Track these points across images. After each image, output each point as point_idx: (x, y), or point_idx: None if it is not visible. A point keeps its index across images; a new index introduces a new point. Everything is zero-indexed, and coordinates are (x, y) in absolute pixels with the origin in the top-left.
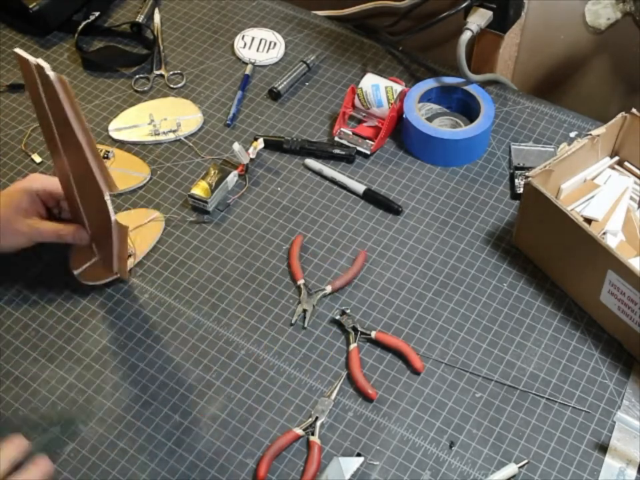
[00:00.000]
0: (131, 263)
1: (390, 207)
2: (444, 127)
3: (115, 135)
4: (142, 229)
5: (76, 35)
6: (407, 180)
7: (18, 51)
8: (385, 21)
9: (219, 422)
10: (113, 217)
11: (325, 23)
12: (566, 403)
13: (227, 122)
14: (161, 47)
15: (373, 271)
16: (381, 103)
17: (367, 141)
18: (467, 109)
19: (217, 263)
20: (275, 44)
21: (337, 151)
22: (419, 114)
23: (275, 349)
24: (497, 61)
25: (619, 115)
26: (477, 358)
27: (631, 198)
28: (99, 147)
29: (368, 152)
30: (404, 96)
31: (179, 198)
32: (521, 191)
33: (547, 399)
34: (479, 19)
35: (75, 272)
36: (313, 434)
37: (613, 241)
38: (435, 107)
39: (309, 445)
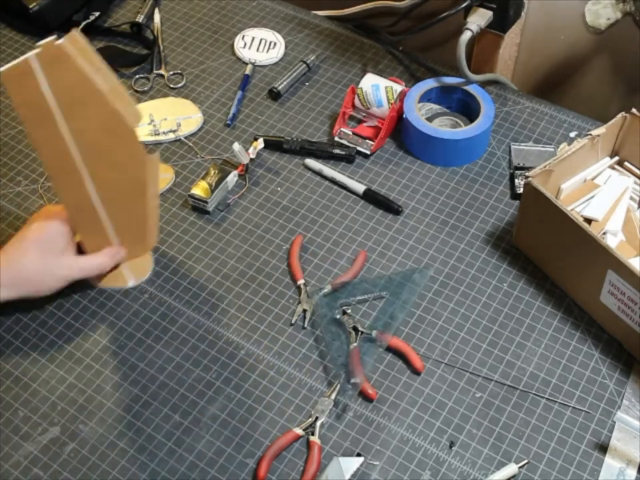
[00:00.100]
0: None
1: (390, 207)
2: (444, 127)
3: None
4: None
5: None
6: (406, 180)
7: (2, 70)
8: (385, 21)
9: (219, 422)
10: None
11: (325, 22)
12: (566, 403)
13: (227, 122)
14: (161, 47)
15: (373, 271)
16: (380, 103)
17: (367, 140)
18: (467, 109)
19: (217, 263)
20: (274, 44)
21: (337, 151)
22: (418, 114)
23: (275, 349)
24: (497, 61)
25: (619, 115)
26: (477, 358)
27: (631, 198)
28: None
29: (368, 152)
30: (404, 96)
31: (178, 198)
32: (521, 191)
33: (547, 399)
34: (479, 18)
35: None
36: (313, 434)
37: (613, 241)
38: (435, 107)
39: (309, 445)
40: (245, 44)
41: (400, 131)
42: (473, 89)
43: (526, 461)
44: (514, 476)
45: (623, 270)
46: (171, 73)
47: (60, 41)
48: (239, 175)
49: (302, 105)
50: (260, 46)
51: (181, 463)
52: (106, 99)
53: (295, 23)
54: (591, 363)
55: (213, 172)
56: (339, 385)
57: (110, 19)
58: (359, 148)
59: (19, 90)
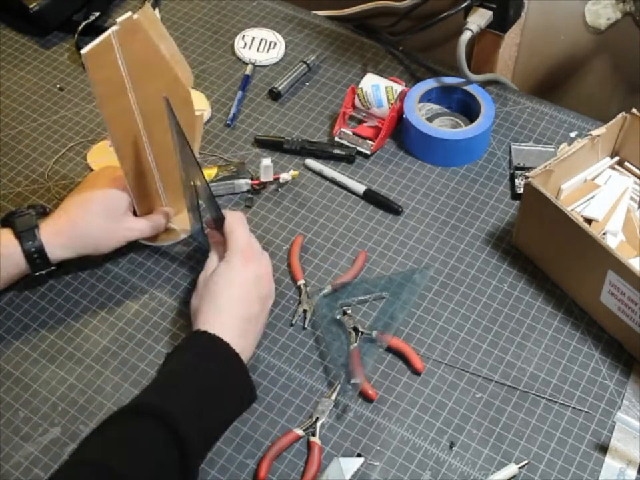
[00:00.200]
0: None
1: (390, 207)
2: (444, 127)
3: None
4: None
5: (76, 35)
6: (407, 180)
7: (84, 51)
8: (385, 21)
9: None
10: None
11: (325, 22)
12: (566, 404)
13: (227, 122)
14: None
15: (373, 271)
16: (381, 103)
17: (367, 141)
18: (467, 109)
19: None
20: (275, 44)
21: (337, 151)
22: (419, 114)
23: (275, 349)
24: (497, 61)
25: (619, 115)
26: (477, 358)
27: (631, 198)
28: None
29: (368, 152)
30: (404, 96)
31: None
32: (521, 191)
33: (547, 399)
34: (479, 19)
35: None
36: (313, 434)
37: (613, 241)
38: (435, 107)
39: (309, 445)
40: (245, 44)
41: (400, 131)
42: (473, 89)
43: (526, 462)
44: (514, 476)
45: (623, 270)
46: None
47: (136, 16)
48: (251, 188)
49: (302, 105)
50: (260, 46)
51: None
52: (169, 64)
53: (295, 23)
54: (591, 363)
55: (231, 167)
56: (339, 386)
57: (110, 19)
58: (359, 148)
59: (98, 68)
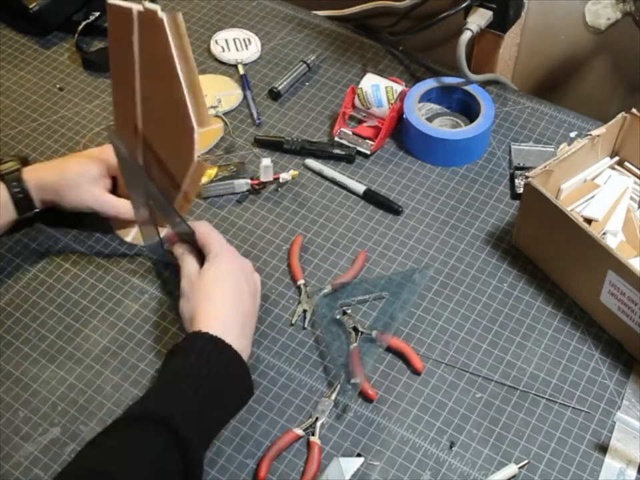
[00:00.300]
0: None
1: (390, 207)
2: (444, 127)
3: None
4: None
5: (76, 35)
6: (407, 180)
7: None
8: (385, 21)
9: None
10: (196, 158)
11: (325, 22)
12: (566, 403)
13: (257, 121)
14: None
15: (373, 271)
16: (381, 103)
17: (367, 141)
18: (467, 109)
19: None
20: (249, 40)
21: (337, 151)
22: (419, 114)
23: (275, 349)
24: (497, 61)
25: (619, 115)
26: (477, 358)
27: (631, 198)
28: None
29: (368, 152)
30: (404, 96)
31: None
32: (521, 191)
33: (547, 399)
34: (478, 19)
35: (127, 238)
36: (313, 434)
37: (613, 241)
38: (435, 107)
39: (309, 445)
40: (223, 48)
41: (400, 131)
42: (472, 89)
43: (526, 461)
44: (514, 476)
45: (623, 270)
46: None
47: (161, 13)
48: (251, 187)
49: (302, 105)
50: (237, 45)
51: None
52: (178, 83)
53: (295, 23)
54: (591, 363)
55: (231, 166)
56: (339, 386)
57: None
58: (359, 148)
59: (116, 25)
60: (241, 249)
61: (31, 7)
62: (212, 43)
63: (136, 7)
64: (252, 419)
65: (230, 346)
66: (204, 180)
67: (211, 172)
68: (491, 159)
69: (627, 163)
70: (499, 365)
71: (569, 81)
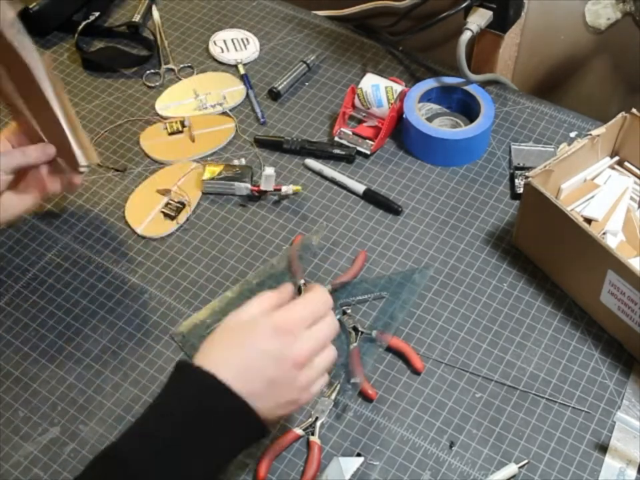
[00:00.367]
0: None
1: (390, 207)
2: (444, 127)
3: (164, 112)
4: (213, 132)
5: (76, 35)
6: (407, 180)
7: None
8: (385, 21)
9: None
10: (59, 113)
11: (325, 22)
12: (566, 403)
13: (261, 120)
14: (166, 43)
15: (373, 271)
16: (381, 103)
17: (367, 140)
18: (467, 109)
19: (217, 262)
20: (248, 39)
21: (336, 151)
22: (419, 114)
23: None
24: (497, 61)
25: (619, 115)
26: (477, 358)
27: (631, 198)
28: (170, 123)
29: (368, 152)
30: (404, 96)
31: None
32: (521, 191)
33: (547, 399)
34: (479, 19)
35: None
36: (313, 434)
37: (613, 241)
38: (435, 107)
39: (309, 445)
40: (222, 49)
41: (400, 131)
42: (472, 89)
43: (526, 461)
44: (514, 476)
45: (623, 270)
46: (181, 66)
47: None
48: (251, 193)
49: (302, 105)
50: (236, 45)
51: None
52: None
53: (295, 23)
54: (591, 363)
55: (234, 167)
56: (339, 385)
57: (110, 19)
58: (359, 148)
59: None
60: (241, 249)
61: (31, 7)
62: (210, 43)
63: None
64: None
65: (220, 383)
66: (206, 176)
67: (216, 169)
68: (491, 159)
69: (626, 163)
70: (499, 365)
71: (569, 81)
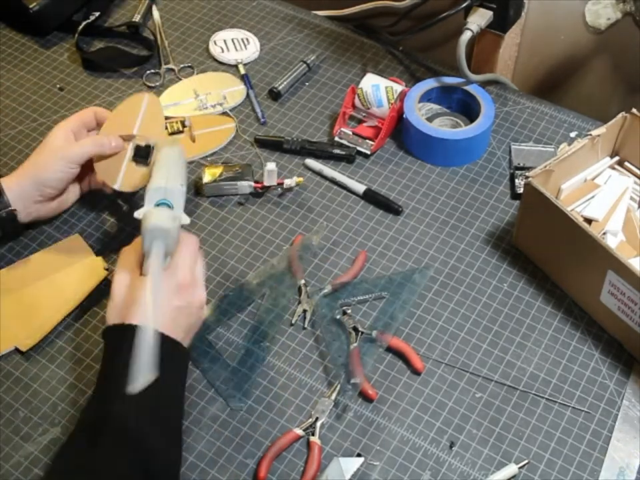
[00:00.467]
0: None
1: (390, 207)
2: (444, 127)
3: (164, 113)
4: (213, 132)
5: (76, 35)
6: (407, 180)
7: None
8: (385, 21)
9: (219, 422)
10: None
11: (325, 22)
12: (566, 403)
13: (262, 120)
14: (166, 42)
15: (373, 271)
16: (381, 102)
17: (367, 141)
18: (467, 109)
19: (217, 263)
20: (248, 39)
21: (337, 151)
22: (419, 114)
23: (275, 349)
24: (497, 61)
25: (619, 115)
26: (477, 358)
27: (631, 198)
28: (171, 123)
29: (368, 152)
30: (404, 96)
31: None
32: (521, 191)
33: (547, 399)
34: (479, 19)
35: (116, 185)
36: (313, 434)
37: (613, 241)
38: (435, 107)
39: (309, 445)
40: (222, 49)
41: (400, 131)
42: (473, 89)
43: (526, 461)
44: (514, 476)
45: (623, 270)
46: (181, 66)
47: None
48: (254, 190)
49: (302, 105)
50: (236, 45)
51: (181, 463)
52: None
53: (295, 23)
54: (591, 363)
55: (235, 168)
56: (339, 385)
57: (110, 19)
58: (359, 148)
59: None
60: (241, 249)
61: (31, 6)
62: (210, 44)
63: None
64: (252, 419)
65: (136, 326)
66: (207, 179)
67: (216, 171)
68: (491, 159)
69: (627, 163)
70: (499, 365)
71: (569, 80)
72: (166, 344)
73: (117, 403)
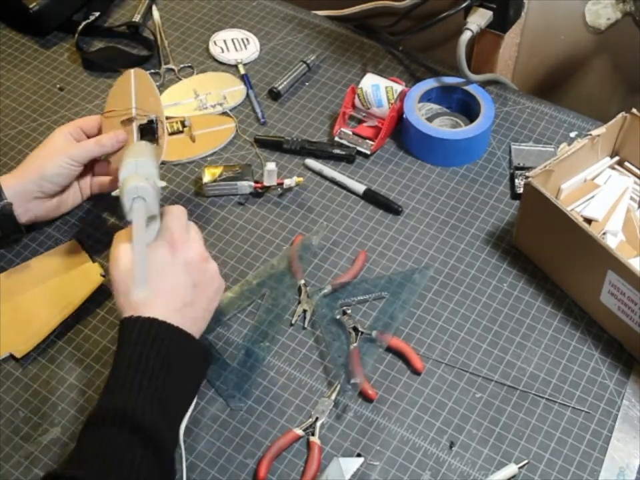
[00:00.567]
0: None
1: (390, 207)
2: (444, 127)
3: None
4: (213, 132)
5: (76, 35)
6: (407, 180)
7: None
8: (385, 21)
9: (219, 422)
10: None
11: (325, 22)
12: (566, 403)
13: (262, 120)
14: (166, 42)
15: (373, 271)
16: (381, 102)
17: (367, 141)
18: (467, 109)
19: (217, 263)
20: (248, 39)
21: (337, 151)
22: (419, 114)
23: (275, 349)
24: (497, 61)
25: (619, 115)
26: (477, 358)
27: (631, 198)
28: (171, 123)
29: (368, 152)
30: (404, 96)
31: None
32: (521, 191)
33: (547, 399)
34: (479, 18)
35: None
36: (313, 434)
37: (613, 241)
38: (435, 107)
39: (309, 445)
40: (222, 49)
41: (400, 131)
42: (473, 89)
43: (526, 461)
44: (514, 476)
45: (623, 270)
46: (181, 66)
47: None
48: (254, 190)
49: (302, 105)
50: (236, 45)
51: (181, 463)
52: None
53: (295, 23)
54: (591, 363)
55: (236, 168)
56: (339, 386)
57: (110, 19)
58: (359, 148)
59: None
60: (241, 249)
61: (31, 6)
62: (210, 44)
63: None
64: (252, 419)
65: (164, 323)
66: (207, 179)
67: (216, 171)
68: (491, 159)
69: (627, 163)
70: (499, 365)
71: (569, 80)
72: (175, 334)
73: (131, 394)
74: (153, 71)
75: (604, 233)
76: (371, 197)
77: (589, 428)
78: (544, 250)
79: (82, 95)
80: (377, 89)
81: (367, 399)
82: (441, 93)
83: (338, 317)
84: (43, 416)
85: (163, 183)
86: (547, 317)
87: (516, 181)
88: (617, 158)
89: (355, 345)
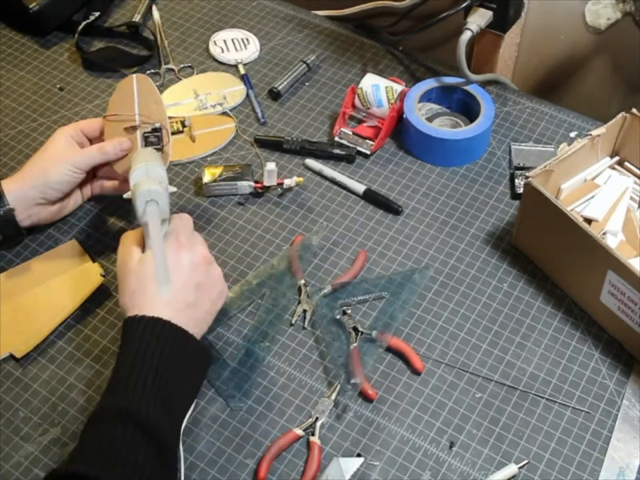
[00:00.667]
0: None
1: (390, 207)
2: (444, 127)
3: None
4: (213, 132)
5: (76, 35)
6: (407, 180)
7: None
8: (385, 21)
9: (219, 422)
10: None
11: (325, 22)
12: (566, 403)
13: (262, 120)
14: (166, 42)
15: (373, 271)
16: (381, 102)
17: (367, 141)
18: (467, 109)
19: (217, 263)
20: (248, 39)
21: (337, 151)
22: (419, 114)
23: (275, 349)
24: (497, 61)
25: (619, 115)
26: (477, 358)
27: (631, 198)
28: (171, 123)
29: (368, 152)
30: (404, 96)
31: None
32: (521, 191)
33: (547, 399)
34: (479, 18)
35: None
36: (313, 434)
37: (613, 241)
38: (435, 107)
39: (309, 445)
40: (222, 49)
41: (400, 131)
42: (473, 89)
43: (526, 461)
44: (514, 476)
45: (623, 270)
46: (181, 66)
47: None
48: (254, 190)
49: (302, 105)
50: (236, 45)
51: (180, 464)
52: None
53: (295, 23)
54: (591, 363)
55: (236, 167)
56: (339, 386)
57: (110, 19)
58: (359, 148)
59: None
60: (241, 249)
61: (31, 6)
62: (210, 44)
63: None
64: (252, 419)
65: (169, 322)
66: (207, 179)
67: (216, 171)
68: (491, 159)
69: (627, 163)
70: (499, 365)
71: (569, 80)
72: (177, 333)
73: (135, 392)
74: (152, 71)
75: (604, 233)
76: (371, 197)
77: (589, 428)
78: (544, 250)
79: (82, 95)
80: (377, 88)
81: (366, 399)
82: (440, 93)
83: (338, 317)
84: (43, 416)
85: (174, 189)
86: (547, 316)
87: (516, 180)
88: (616, 158)
89: (355, 344)
